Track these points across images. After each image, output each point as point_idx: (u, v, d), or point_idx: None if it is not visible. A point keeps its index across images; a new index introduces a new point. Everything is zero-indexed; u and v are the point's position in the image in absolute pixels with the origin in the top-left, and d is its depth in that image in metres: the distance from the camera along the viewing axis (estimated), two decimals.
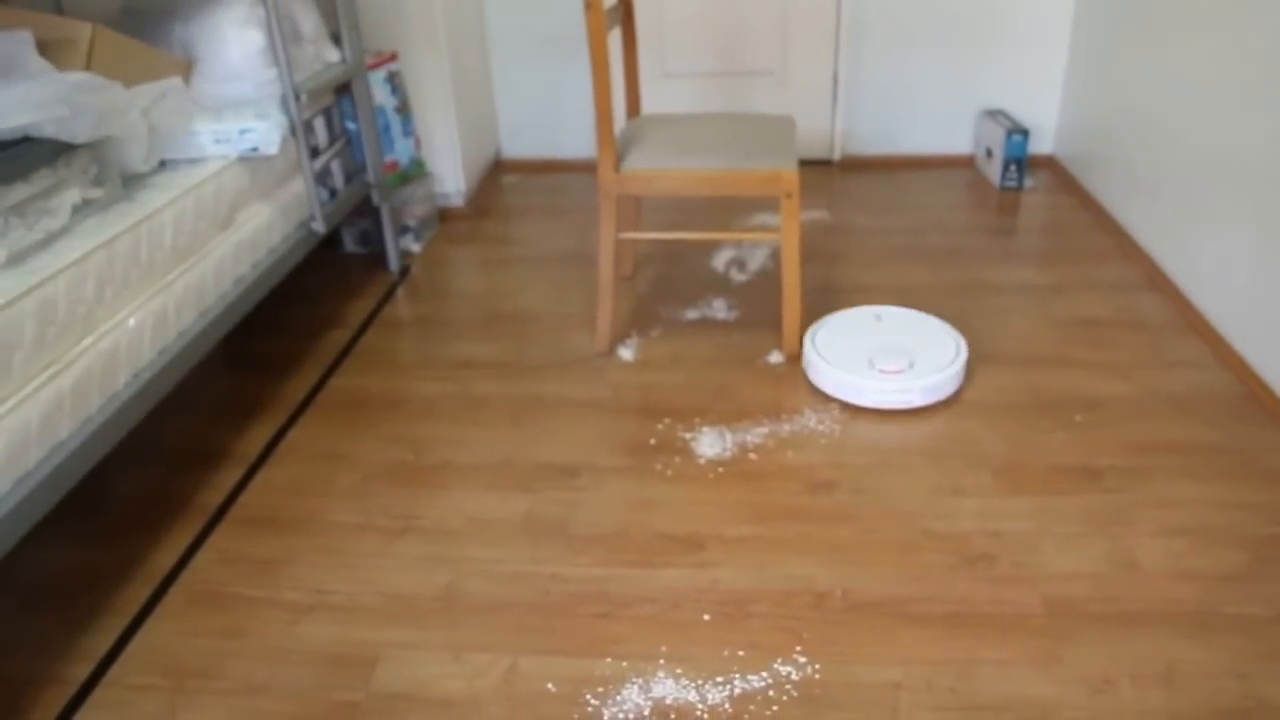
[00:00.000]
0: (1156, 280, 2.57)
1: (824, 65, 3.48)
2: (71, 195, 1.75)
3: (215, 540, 1.80)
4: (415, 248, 3.04)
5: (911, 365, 2.08)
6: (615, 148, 2.21)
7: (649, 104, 3.62)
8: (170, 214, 1.87)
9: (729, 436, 2.02)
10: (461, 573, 1.68)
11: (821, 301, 2.55)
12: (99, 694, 1.47)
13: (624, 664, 1.48)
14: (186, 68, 2.21)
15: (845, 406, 2.09)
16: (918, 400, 2.06)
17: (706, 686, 1.44)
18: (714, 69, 3.54)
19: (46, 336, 1.52)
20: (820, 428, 2.03)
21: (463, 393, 2.24)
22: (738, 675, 1.45)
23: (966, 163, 3.57)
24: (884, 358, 2.11)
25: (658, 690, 1.43)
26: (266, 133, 2.16)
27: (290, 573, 1.70)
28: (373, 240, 3.03)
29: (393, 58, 2.95)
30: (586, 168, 3.70)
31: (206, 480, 1.97)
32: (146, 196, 1.90)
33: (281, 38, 2.19)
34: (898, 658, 1.47)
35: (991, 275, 2.68)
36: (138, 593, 1.68)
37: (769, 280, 2.68)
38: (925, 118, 3.54)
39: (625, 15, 2.47)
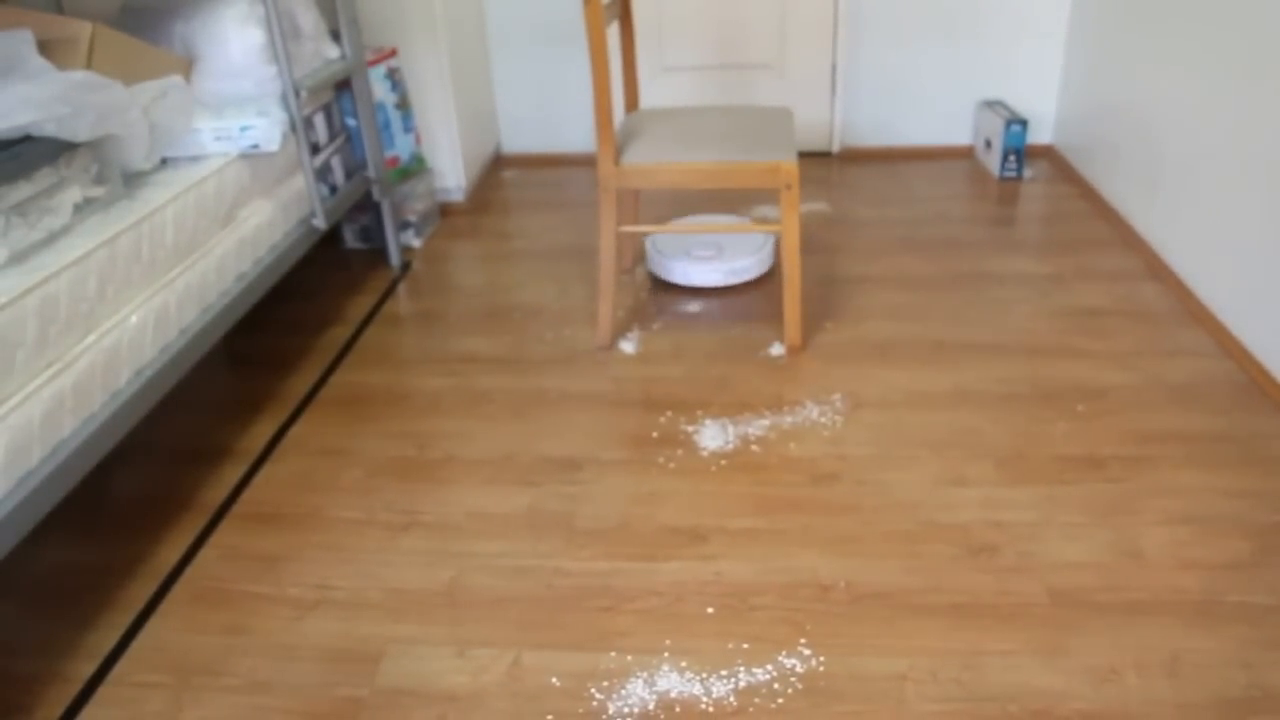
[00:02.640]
0: (1157, 269, 2.56)
1: (822, 57, 3.47)
2: (73, 194, 1.75)
3: (218, 537, 1.80)
4: (416, 243, 3.04)
5: (720, 251, 2.62)
6: (615, 141, 2.21)
7: (648, 98, 3.61)
8: (171, 211, 1.87)
9: (731, 429, 2.02)
10: (465, 567, 1.69)
11: (822, 293, 2.55)
12: (104, 691, 1.48)
13: (628, 657, 1.48)
14: (187, 65, 2.20)
15: (847, 396, 2.10)
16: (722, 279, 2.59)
17: (711, 679, 1.44)
18: (712, 62, 3.53)
19: (49, 335, 1.52)
20: (822, 419, 2.03)
21: (465, 387, 2.24)
22: (742, 668, 1.46)
23: (966, 153, 3.57)
24: (699, 248, 2.63)
25: (662, 684, 1.44)
26: (267, 130, 2.16)
27: (294, 569, 1.71)
28: (374, 236, 3.03)
29: (392, 54, 2.95)
30: (586, 162, 3.70)
31: (209, 477, 1.97)
32: (148, 194, 1.90)
33: (281, 35, 2.19)
34: (902, 649, 1.47)
35: (992, 265, 2.68)
36: (141, 590, 1.68)
37: (769, 272, 2.68)
38: (924, 109, 3.53)
39: (623, 9, 2.47)
